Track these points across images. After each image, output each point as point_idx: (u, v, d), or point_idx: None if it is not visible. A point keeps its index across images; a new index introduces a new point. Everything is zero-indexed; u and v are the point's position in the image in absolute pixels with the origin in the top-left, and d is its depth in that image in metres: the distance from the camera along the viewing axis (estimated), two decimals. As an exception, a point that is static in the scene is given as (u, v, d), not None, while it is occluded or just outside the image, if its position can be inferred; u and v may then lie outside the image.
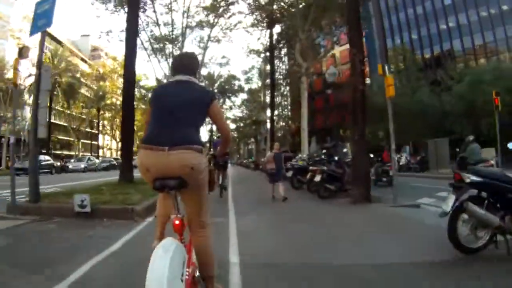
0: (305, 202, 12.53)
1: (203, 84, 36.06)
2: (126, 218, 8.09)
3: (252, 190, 18.08)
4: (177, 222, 2.92)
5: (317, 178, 12.80)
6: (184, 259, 2.75)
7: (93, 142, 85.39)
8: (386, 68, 11.72)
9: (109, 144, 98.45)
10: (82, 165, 42.53)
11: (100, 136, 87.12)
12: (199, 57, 35.30)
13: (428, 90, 38.80)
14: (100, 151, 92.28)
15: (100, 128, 78.80)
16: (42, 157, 35.49)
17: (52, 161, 37.70)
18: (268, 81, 47.86)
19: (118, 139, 68.10)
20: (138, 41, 30.46)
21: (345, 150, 15.06)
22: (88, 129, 77.17)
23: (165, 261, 2.40)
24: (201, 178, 3.09)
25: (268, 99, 49.82)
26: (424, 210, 10.21)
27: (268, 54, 39.80)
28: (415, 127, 35.35)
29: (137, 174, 12.86)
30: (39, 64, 9.71)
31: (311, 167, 14.15)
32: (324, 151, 16.79)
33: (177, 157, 2.88)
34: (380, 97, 31.96)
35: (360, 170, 11.50)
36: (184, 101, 3.16)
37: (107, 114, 74.72)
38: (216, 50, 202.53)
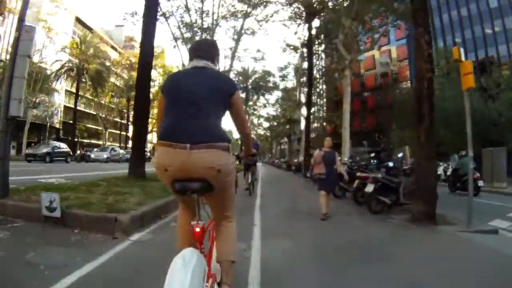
0: (354, 219, 9.64)
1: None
2: (105, 232, 5.70)
3: (284, 195, 15.50)
4: (197, 229, 2.60)
5: (369, 188, 10.08)
6: (205, 272, 2.44)
7: (123, 133, 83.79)
8: (462, 51, 9.20)
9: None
10: (105, 155, 40.67)
11: (131, 127, 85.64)
12: (231, 50, 33.86)
13: (477, 95, 35.59)
14: (130, 142, 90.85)
15: (131, 119, 77.25)
16: (57, 144, 34.71)
17: (67, 149, 35.77)
18: (304, 78, 45.58)
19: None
20: (166, 26, 29.06)
21: (400, 154, 12.35)
22: (117, 119, 75.70)
23: (185, 275, 2.17)
24: (228, 180, 2.77)
25: (303, 97, 47.70)
26: (506, 239, 8.06)
27: (305, 49, 37.03)
28: (464, 135, 32.24)
29: (149, 168, 10.83)
30: (20, 24, 7.55)
31: (359, 174, 11.46)
32: (372, 154, 14.12)
33: (200, 156, 2.55)
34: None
35: (426, 181, 8.93)
36: (206, 89, 2.77)
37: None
38: (251, 44, 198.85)
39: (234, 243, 3.01)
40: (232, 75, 55.09)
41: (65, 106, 67.69)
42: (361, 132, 62.31)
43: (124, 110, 72.99)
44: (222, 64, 34.44)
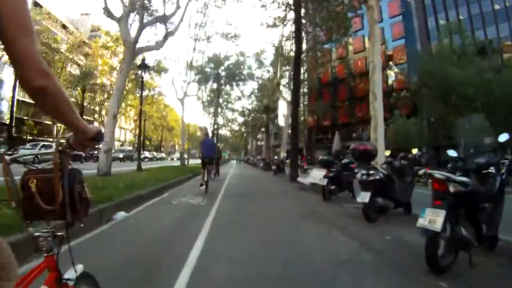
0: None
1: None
2: None
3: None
4: None
5: None
6: None
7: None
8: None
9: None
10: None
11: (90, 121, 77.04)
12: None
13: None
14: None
15: (96, 115, 68.50)
16: None
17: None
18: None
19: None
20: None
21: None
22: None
23: None
24: None
25: (283, 81, 40.43)
26: None
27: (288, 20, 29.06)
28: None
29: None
30: None
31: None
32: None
33: None
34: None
35: None
36: None
37: (99, 98, 64.41)
38: (222, 21, 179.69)
39: None
40: (201, 60, 46.82)
41: (21, 101, 58.41)
42: (350, 124, 55.05)
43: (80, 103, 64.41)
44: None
